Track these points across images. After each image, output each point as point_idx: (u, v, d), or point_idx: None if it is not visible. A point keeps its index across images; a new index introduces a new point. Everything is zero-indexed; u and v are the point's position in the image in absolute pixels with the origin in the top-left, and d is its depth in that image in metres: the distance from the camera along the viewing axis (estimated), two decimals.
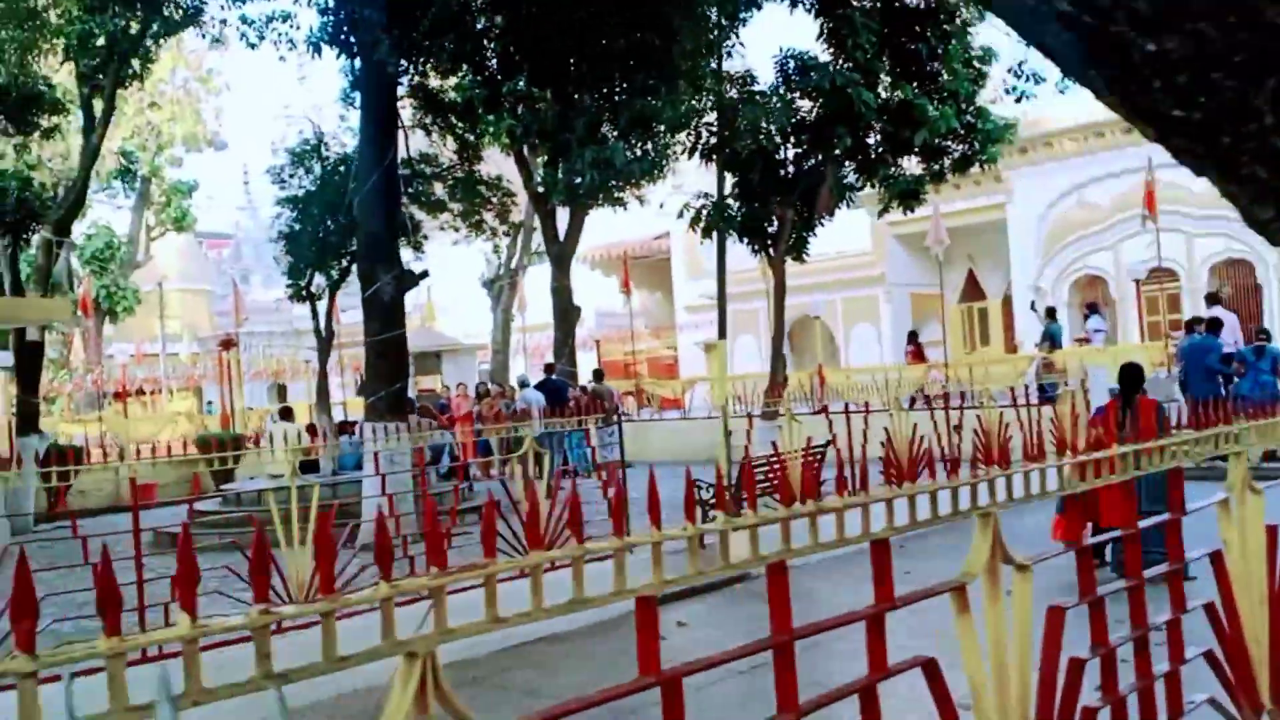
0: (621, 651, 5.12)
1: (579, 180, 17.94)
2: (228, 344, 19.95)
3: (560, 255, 19.10)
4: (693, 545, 2.23)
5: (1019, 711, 2.99)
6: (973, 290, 29.77)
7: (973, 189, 25.38)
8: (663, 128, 17.73)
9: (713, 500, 10.56)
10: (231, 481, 14.45)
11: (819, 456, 11.11)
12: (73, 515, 15.68)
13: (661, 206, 22.26)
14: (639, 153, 18.61)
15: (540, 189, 18.72)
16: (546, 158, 18.65)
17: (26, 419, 15.26)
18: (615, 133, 18.05)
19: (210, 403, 29.79)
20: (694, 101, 16.59)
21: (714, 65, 15.43)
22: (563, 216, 19.09)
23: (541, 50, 17.12)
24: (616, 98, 17.94)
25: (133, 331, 33.29)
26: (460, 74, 17.29)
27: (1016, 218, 26.39)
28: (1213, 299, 19.03)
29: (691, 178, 29.73)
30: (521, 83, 17.99)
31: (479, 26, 17.32)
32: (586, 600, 2.05)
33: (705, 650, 2.61)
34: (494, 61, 17.55)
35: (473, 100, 16.27)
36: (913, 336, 26.39)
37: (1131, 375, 7.93)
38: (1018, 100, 13.36)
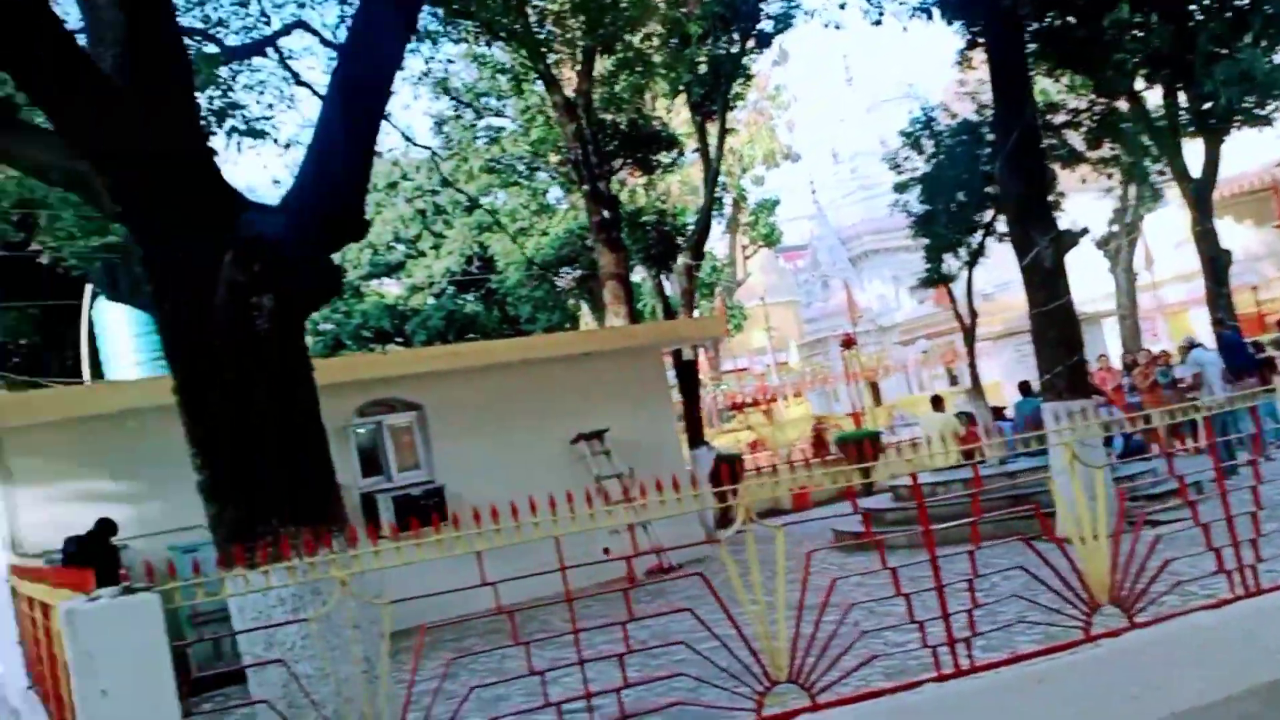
0: None
1: (1209, 104, 15.81)
2: (848, 343, 20.11)
3: (1199, 194, 16.83)
4: None
5: None
6: None
7: None
8: None
9: None
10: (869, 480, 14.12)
11: None
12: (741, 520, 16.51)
13: None
14: None
15: (1163, 123, 16.72)
16: (1164, 87, 16.61)
17: (694, 433, 16.33)
18: (1249, 39, 15.66)
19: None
20: None
21: None
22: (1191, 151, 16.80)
23: None
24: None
25: (735, 347, 35.50)
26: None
27: None
28: None
29: None
30: (1124, 11, 16.12)
31: None
32: None
33: None
34: None
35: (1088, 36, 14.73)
36: None
37: None
38: None
